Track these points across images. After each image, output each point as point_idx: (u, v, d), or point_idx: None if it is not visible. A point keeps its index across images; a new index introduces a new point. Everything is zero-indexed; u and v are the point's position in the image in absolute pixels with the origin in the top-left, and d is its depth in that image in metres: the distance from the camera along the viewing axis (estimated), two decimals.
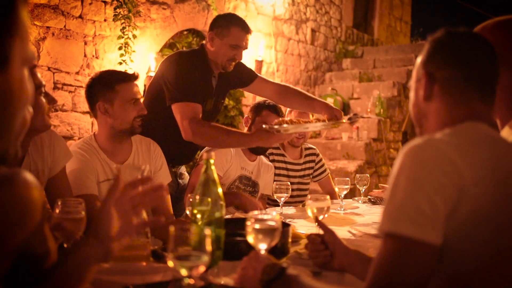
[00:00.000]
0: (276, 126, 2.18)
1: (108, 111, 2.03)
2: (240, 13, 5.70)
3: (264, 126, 2.23)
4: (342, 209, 2.60)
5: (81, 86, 3.99)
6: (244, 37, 2.41)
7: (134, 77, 2.09)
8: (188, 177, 2.76)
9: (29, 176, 0.73)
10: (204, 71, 2.44)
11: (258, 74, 2.71)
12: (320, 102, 2.56)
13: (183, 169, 2.76)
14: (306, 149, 3.19)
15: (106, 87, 2.03)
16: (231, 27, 2.38)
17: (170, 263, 0.97)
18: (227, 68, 2.44)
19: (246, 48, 2.46)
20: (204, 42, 2.50)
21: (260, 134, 2.24)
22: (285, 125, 2.18)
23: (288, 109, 3.01)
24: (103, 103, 2.03)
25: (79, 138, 3.86)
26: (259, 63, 5.65)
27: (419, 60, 1.11)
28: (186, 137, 2.27)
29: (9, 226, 0.71)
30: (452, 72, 1.04)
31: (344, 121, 2.40)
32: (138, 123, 2.08)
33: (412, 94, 1.13)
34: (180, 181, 2.68)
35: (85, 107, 4.01)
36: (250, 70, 2.72)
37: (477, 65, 1.04)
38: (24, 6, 0.71)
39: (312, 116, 2.83)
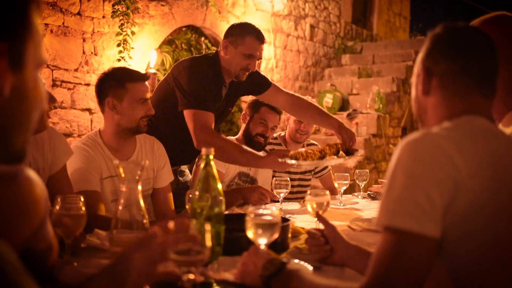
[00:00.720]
0: (293, 162, 2.12)
1: (116, 107, 2.04)
2: (239, 9, 5.70)
3: (280, 160, 2.17)
4: (341, 204, 2.61)
5: (80, 83, 3.99)
6: (258, 46, 2.38)
7: (145, 77, 2.10)
8: (189, 174, 2.77)
9: (31, 174, 0.74)
10: (216, 79, 2.42)
11: (272, 83, 2.67)
12: (333, 121, 2.51)
13: (183, 166, 2.76)
14: (308, 145, 3.19)
15: (117, 83, 2.04)
16: (246, 36, 2.36)
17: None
18: (240, 77, 2.41)
19: (260, 58, 2.43)
20: (218, 49, 2.47)
21: (273, 160, 2.18)
22: (300, 161, 2.13)
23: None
24: (112, 99, 2.04)
25: (79, 136, 3.87)
26: None
27: (419, 56, 1.11)
28: (197, 146, 2.24)
29: (12, 223, 0.71)
30: (449, 65, 1.04)
31: (360, 154, 2.37)
32: (144, 123, 2.09)
33: (413, 90, 1.14)
34: (180, 178, 2.68)
35: (84, 104, 4.02)
36: (264, 78, 2.66)
37: (474, 58, 1.04)
38: (37, 11, 0.73)
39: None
